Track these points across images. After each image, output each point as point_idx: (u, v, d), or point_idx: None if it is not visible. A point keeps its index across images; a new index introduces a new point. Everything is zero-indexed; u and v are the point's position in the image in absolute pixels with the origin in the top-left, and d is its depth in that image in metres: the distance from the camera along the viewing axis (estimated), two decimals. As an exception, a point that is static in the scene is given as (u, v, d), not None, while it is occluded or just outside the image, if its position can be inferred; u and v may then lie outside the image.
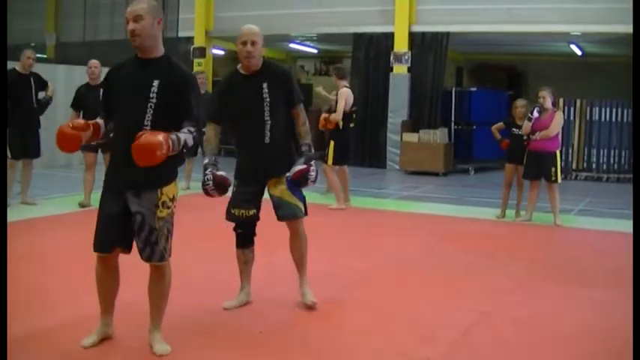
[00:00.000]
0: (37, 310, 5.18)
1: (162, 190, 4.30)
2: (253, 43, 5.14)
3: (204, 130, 5.02)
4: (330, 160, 10.58)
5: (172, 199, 4.38)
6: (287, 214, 5.34)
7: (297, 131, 5.34)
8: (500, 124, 10.50)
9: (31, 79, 9.94)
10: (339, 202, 10.64)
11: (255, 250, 5.56)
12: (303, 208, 5.39)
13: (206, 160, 5.31)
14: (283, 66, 5.51)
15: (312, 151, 5.33)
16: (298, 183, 5.24)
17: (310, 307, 5.41)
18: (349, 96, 10.56)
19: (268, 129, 5.22)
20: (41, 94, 10.15)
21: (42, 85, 10.17)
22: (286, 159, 5.34)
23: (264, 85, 5.19)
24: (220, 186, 5.24)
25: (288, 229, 5.46)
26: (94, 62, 10.01)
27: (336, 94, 10.60)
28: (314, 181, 5.26)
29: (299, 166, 5.21)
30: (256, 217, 5.39)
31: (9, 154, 9.75)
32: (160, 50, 4.38)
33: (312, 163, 5.24)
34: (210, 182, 5.22)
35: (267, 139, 5.24)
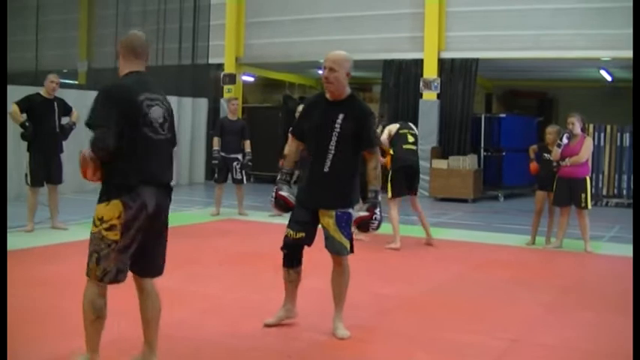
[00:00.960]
0: (56, 335, 5.18)
1: (97, 207, 4.16)
2: (331, 70, 5.15)
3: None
4: (389, 194, 9.85)
5: (100, 220, 4.08)
6: (331, 248, 5.35)
7: (367, 174, 5.34)
8: (535, 147, 10.47)
9: (55, 104, 9.92)
10: (396, 242, 9.72)
11: (304, 272, 5.56)
12: (348, 246, 5.36)
13: (279, 176, 5.43)
14: (367, 106, 5.44)
15: (379, 199, 5.32)
16: (356, 224, 5.31)
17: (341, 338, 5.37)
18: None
19: (330, 158, 5.21)
20: (65, 120, 10.13)
21: (66, 110, 10.15)
22: (341, 194, 5.31)
23: (340, 116, 5.18)
24: (279, 204, 5.34)
25: (332, 261, 5.46)
26: None
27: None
28: (376, 229, 5.30)
29: (363, 213, 5.25)
30: (304, 241, 5.37)
31: (29, 181, 9.82)
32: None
33: (377, 210, 5.24)
34: (273, 199, 5.37)
35: (326, 169, 5.23)
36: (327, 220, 5.28)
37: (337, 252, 5.32)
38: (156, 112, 4.15)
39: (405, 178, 9.88)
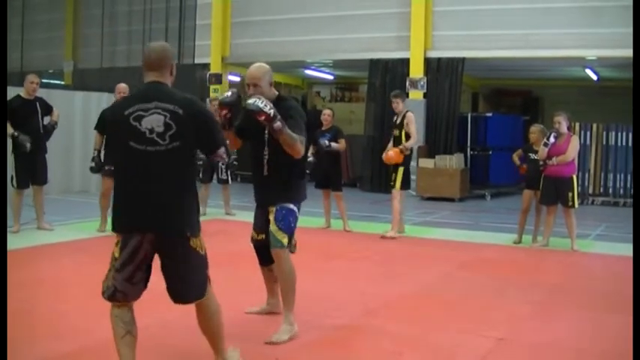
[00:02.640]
0: (53, 336, 5.18)
1: None
2: (255, 86, 5.22)
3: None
4: (398, 185, 10.40)
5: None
6: (269, 241, 5.34)
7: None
8: (519, 152, 10.51)
9: (37, 104, 9.87)
10: (394, 230, 10.45)
11: None
12: (284, 240, 5.28)
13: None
14: (292, 103, 5.44)
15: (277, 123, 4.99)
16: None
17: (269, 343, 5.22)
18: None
19: (266, 163, 5.33)
20: (46, 120, 10.09)
21: (47, 110, 10.11)
22: (283, 190, 5.37)
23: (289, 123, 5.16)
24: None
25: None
26: (123, 87, 9.85)
27: (398, 119, 10.53)
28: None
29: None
30: (266, 242, 5.40)
31: (14, 184, 9.78)
32: None
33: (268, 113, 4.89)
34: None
35: (265, 172, 5.36)
36: (270, 216, 5.35)
37: (272, 245, 5.30)
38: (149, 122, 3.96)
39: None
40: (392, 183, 10.47)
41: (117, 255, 4.01)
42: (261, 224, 5.47)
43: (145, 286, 4.13)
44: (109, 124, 4.05)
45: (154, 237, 3.98)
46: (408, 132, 10.32)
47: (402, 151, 10.27)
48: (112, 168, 9.67)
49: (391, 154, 10.35)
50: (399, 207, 10.40)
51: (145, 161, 3.94)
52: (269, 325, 5.49)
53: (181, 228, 4.02)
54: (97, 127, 9.85)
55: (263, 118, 4.81)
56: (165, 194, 3.98)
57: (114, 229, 4.08)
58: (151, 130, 3.93)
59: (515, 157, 10.50)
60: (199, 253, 4.13)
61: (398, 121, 10.50)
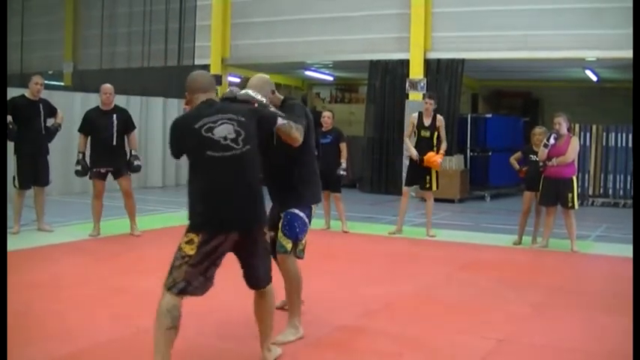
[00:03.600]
0: (53, 337, 5.18)
1: None
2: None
3: None
4: (435, 186, 10.72)
5: (185, 232, 4.38)
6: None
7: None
8: (518, 154, 10.47)
9: (40, 106, 9.86)
10: (398, 228, 10.99)
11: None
12: (288, 246, 5.31)
13: None
14: (296, 104, 5.43)
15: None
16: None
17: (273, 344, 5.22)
18: None
19: (269, 168, 5.35)
20: (50, 121, 10.06)
21: (51, 111, 10.07)
22: (291, 194, 5.39)
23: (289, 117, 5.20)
24: None
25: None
26: (108, 88, 9.85)
27: (428, 121, 10.64)
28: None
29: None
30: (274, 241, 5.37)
31: (16, 184, 9.78)
32: None
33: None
34: None
35: (269, 178, 5.44)
36: (280, 222, 5.38)
37: (277, 249, 5.32)
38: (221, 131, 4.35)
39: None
40: (427, 185, 10.65)
41: (191, 252, 4.25)
42: (272, 224, 5.39)
43: (212, 282, 4.42)
44: (182, 138, 4.39)
45: (238, 235, 4.37)
46: (440, 135, 10.54)
47: (438, 156, 10.50)
48: (101, 170, 9.71)
49: (438, 159, 10.47)
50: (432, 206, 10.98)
51: (224, 166, 4.34)
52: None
53: (261, 222, 4.54)
54: (80, 129, 9.84)
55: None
56: (246, 194, 4.40)
57: (193, 228, 4.31)
58: (225, 138, 4.32)
59: (514, 161, 10.46)
60: (267, 242, 4.66)
61: (428, 123, 10.57)
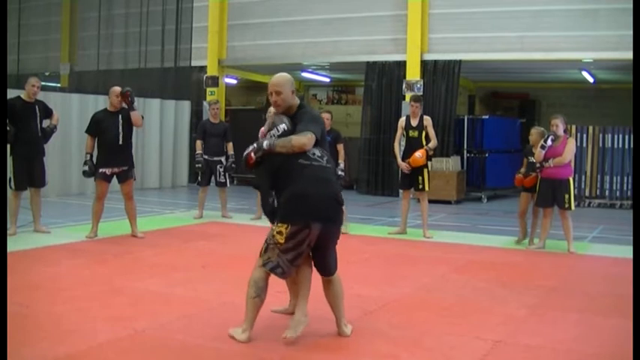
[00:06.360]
0: (49, 339, 5.17)
1: None
2: (278, 93, 5.38)
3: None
4: (427, 186, 10.96)
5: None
6: None
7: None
8: (523, 170, 10.29)
9: (36, 107, 9.85)
10: (402, 228, 11.24)
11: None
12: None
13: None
14: (312, 111, 5.62)
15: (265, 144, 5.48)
16: None
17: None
18: None
19: None
20: (46, 123, 10.05)
21: (47, 113, 10.06)
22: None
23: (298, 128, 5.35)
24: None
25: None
26: (118, 91, 9.79)
27: (415, 121, 10.83)
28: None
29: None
30: None
31: (12, 185, 9.78)
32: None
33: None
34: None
35: None
36: None
37: None
38: None
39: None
40: (420, 186, 10.87)
41: (281, 241, 5.08)
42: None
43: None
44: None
45: (321, 228, 5.11)
46: (429, 133, 10.71)
47: (427, 152, 10.67)
48: (106, 172, 9.73)
49: (420, 155, 10.60)
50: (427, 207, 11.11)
51: (313, 172, 5.18)
52: (270, 325, 5.50)
53: (341, 218, 5.40)
54: (88, 131, 9.83)
55: (251, 161, 5.42)
56: (330, 194, 5.23)
57: (284, 220, 5.09)
58: (313, 154, 5.25)
59: (520, 177, 10.27)
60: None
61: (416, 124, 10.78)
